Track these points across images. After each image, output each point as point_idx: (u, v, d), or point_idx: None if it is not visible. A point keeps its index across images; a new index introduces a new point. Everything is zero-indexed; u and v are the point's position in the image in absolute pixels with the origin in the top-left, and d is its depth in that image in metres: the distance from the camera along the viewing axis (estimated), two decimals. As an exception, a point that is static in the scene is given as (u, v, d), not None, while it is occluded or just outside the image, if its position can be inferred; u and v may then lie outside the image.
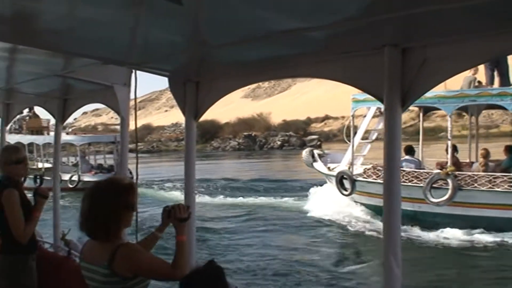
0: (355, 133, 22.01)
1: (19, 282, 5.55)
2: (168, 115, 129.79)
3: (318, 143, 68.73)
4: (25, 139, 35.74)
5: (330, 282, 14.21)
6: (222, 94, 4.89)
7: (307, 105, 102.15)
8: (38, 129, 39.90)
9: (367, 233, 19.03)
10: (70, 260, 6.51)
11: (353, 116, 21.64)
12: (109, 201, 3.53)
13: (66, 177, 32.69)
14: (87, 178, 33.98)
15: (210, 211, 26.03)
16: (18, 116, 36.07)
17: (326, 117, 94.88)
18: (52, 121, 38.34)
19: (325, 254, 17.21)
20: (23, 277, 5.60)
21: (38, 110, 39.43)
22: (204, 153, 75.32)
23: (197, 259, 5.07)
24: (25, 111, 38.49)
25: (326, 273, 14.94)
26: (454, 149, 19.15)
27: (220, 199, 31.02)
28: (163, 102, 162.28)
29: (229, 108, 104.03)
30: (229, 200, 30.56)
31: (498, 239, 16.62)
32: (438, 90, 17.40)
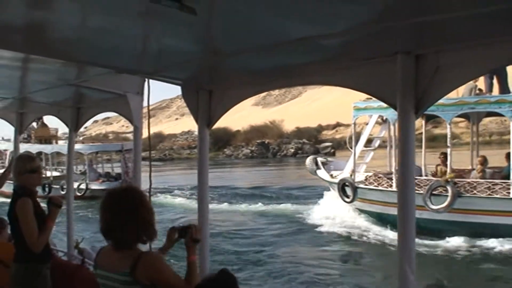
0: (357, 141, 22.19)
1: None
2: (179, 123, 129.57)
3: (332, 150, 68.20)
4: (34, 148, 35.64)
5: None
6: (235, 102, 4.90)
7: (318, 112, 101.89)
8: (47, 138, 40.36)
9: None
10: (83, 268, 6.51)
11: (354, 124, 22.05)
12: (137, 209, 3.52)
13: (74, 185, 32.09)
14: (94, 186, 34.55)
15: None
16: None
17: (338, 124, 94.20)
18: (60, 130, 38.98)
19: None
20: (37, 286, 5.61)
21: (46, 119, 40.28)
22: (216, 160, 75.00)
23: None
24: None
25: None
26: (445, 157, 19.48)
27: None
28: (174, 110, 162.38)
29: (240, 115, 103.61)
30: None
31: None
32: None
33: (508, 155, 18.58)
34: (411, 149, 3.44)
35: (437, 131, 61.17)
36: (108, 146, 44.12)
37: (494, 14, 2.67)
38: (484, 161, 18.94)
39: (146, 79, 5.37)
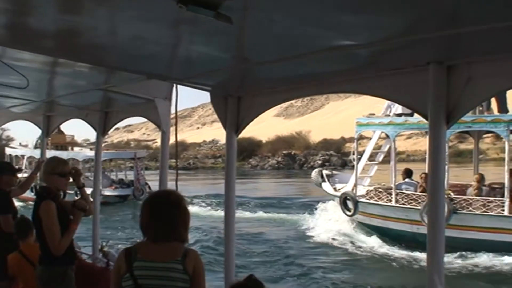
0: (360, 156, 22.60)
1: None
2: (200, 133, 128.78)
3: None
4: (50, 154, 36.00)
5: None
6: (263, 109, 4.91)
7: (340, 125, 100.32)
8: (63, 145, 42.10)
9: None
10: (108, 271, 6.55)
11: (357, 139, 22.37)
12: (187, 210, 3.97)
13: (88, 191, 32.81)
14: (107, 192, 35.34)
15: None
16: None
17: (361, 137, 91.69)
18: (76, 137, 39.20)
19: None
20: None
21: (63, 126, 40.05)
22: (241, 171, 74.43)
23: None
24: None
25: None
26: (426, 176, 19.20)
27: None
28: (195, 120, 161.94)
29: (262, 126, 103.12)
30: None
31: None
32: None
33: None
34: (442, 161, 3.43)
35: (463, 146, 59.67)
36: (122, 154, 45.60)
37: None
38: (481, 179, 18.97)
39: (175, 85, 5.40)
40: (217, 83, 4.88)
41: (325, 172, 24.78)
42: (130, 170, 42.64)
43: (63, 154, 36.96)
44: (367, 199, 20.90)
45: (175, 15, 2.80)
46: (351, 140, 18.63)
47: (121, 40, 3.66)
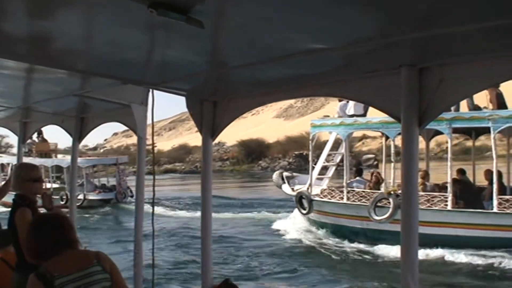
0: (317, 156, 24.14)
1: None
2: (200, 136, 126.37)
3: (375, 162, 65.32)
4: (35, 161, 36.96)
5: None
6: (239, 113, 4.92)
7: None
8: (47, 152, 43.00)
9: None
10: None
11: (312, 140, 23.85)
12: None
13: None
14: (91, 196, 38.02)
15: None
16: (28, 141, 38.54)
17: (364, 137, 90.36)
18: (60, 145, 40.63)
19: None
20: None
21: (46, 134, 43.57)
22: (251, 174, 73.51)
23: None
24: (34, 136, 41.35)
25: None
26: (379, 174, 21.41)
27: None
28: (193, 123, 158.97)
29: (261, 128, 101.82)
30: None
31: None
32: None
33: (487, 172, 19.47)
34: (415, 163, 3.45)
35: (470, 143, 58.09)
36: (105, 160, 46.72)
37: (499, 28, 2.69)
38: (425, 176, 19.83)
39: (151, 90, 5.39)
40: (192, 88, 4.88)
41: (285, 174, 26.04)
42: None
43: (47, 162, 39.87)
44: (321, 197, 21.80)
45: (148, 20, 2.80)
46: (354, 140, 19.27)
47: (95, 45, 3.65)
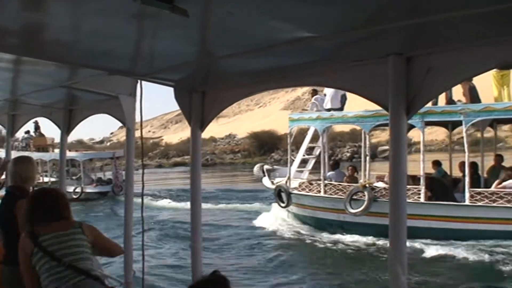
0: (293, 150, 24.33)
1: None
2: (207, 129, 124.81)
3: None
4: (34, 155, 37.69)
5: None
6: (228, 103, 4.91)
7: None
8: (44, 147, 43.50)
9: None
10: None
11: (290, 133, 23.94)
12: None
13: (70, 189, 37.16)
14: (89, 189, 39.52)
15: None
16: (25, 136, 41.89)
17: (373, 129, 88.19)
18: (56, 140, 41.43)
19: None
20: None
21: (44, 129, 44.43)
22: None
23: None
24: (32, 131, 43.26)
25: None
26: (354, 168, 22.05)
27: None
28: None
29: (269, 120, 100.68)
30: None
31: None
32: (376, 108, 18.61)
33: (434, 162, 20.57)
34: (403, 152, 3.45)
35: (480, 134, 57.08)
36: (102, 154, 48.59)
37: (486, 16, 2.68)
38: None
39: (139, 81, 5.37)
40: (180, 78, 4.85)
41: (266, 167, 26.20)
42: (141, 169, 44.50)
43: (45, 156, 41.14)
44: (299, 191, 22.08)
45: (134, 9, 2.78)
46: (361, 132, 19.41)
47: (80, 35, 3.61)
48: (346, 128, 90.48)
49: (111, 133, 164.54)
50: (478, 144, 22.52)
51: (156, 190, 41.11)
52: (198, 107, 4.97)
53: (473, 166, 19.26)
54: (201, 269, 5.08)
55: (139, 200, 5.58)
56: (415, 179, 19.41)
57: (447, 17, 2.71)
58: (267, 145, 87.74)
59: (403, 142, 3.44)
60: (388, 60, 3.37)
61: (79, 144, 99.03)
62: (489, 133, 24.67)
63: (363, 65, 3.60)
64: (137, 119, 5.85)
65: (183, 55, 3.93)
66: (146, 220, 5.76)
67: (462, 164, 18.99)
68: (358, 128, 22.53)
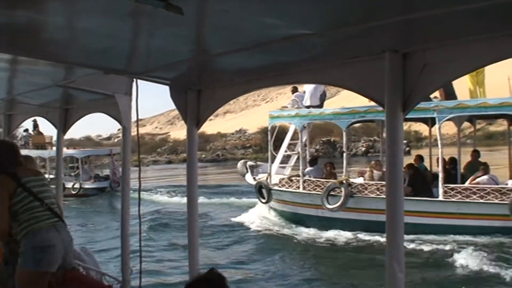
0: (275, 146, 24.77)
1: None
2: (213, 124, 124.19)
3: (407, 148, 62.80)
4: (33, 153, 38.62)
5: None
6: (223, 101, 4.91)
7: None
8: (43, 145, 44.67)
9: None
10: (73, 269, 6.50)
11: (271, 130, 24.58)
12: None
13: (69, 185, 38.65)
14: (87, 185, 40.53)
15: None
16: (24, 134, 43.19)
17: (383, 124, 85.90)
18: (55, 137, 41.87)
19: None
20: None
21: (42, 127, 45.39)
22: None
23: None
24: (30, 129, 44.53)
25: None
26: (332, 165, 22.50)
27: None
28: None
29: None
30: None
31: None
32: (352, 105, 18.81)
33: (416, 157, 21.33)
34: (399, 148, 3.44)
35: (492, 128, 56.99)
36: (99, 151, 50.27)
37: (481, 11, 2.68)
38: (375, 166, 20.95)
39: (134, 80, 5.36)
40: (176, 77, 4.84)
41: (249, 163, 26.78)
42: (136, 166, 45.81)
43: (44, 153, 42.39)
44: (279, 187, 22.48)
45: (129, 7, 2.77)
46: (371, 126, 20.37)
47: (76, 35, 3.61)
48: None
49: (118, 129, 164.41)
50: (491, 138, 22.74)
51: (169, 187, 42.42)
52: (194, 105, 4.97)
53: (452, 161, 19.92)
54: (198, 267, 5.08)
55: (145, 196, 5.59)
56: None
57: (443, 12, 2.70)
58: (278, 140, 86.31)
59: (399, 138, 3.43)
60: (384, 56, 3.36)
61: (88, 141, 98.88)
62: (501, 126, 24.92)
63: (359, 61, 3.59)
64: (133, 118, 5.84)
65: (178, 53, 3.92)
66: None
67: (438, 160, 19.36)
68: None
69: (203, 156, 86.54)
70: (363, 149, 78.96)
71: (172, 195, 37.64)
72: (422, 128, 23.40)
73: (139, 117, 5.54)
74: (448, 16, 2.76)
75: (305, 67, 4.02)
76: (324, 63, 3.86)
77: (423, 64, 3.29)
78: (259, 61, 4.03)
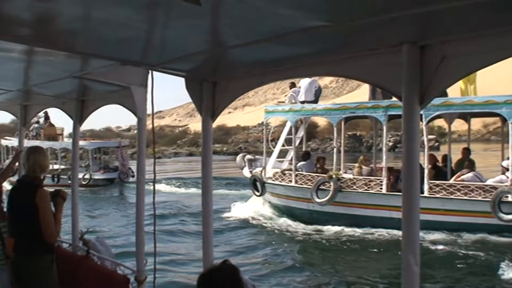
0: (269, 141, 25.71)
1: (47, 282, 5.65)
2: (232, 117, 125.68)
3: (436, 144, 61.73)
4: (44, 144, 39.62)
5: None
6: (239, 93, 4.89)
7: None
8: (54, 136, 46.35)
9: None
10: (88, 259, 6.56)
11: (266, 124, 25.94)
12: None
13: (79, 176, 37.32)
14: (97, 176, 42.49)
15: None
16: (36, 125, 43.81)
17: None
18: (66, 129, 45.52)
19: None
20: (50, 277, 5.69)
21: (53, 120, 47.13)
22: (299, 154, 71.62)
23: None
24: (41, 121, 45.56)
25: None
26: (323, 160, 23.09)
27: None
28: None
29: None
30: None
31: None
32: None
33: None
34: (416, 142, 3.41)
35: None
36: (109, 143, 51.70)
37: (501, 4, 2.65)
38: (363, 161, 21.73)
39: (150, 71, 5.37)
40: (191, 68, 4.84)
41: (247, 157, 27.16)
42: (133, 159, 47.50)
43: (55, 144, 44.16)
44: (273, 180, 23.14)
45: None
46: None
47: (92, 25, 3.60)
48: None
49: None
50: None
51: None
52: (209, 97, 4.96)
53: (445, 159, 20.49)
54: (212, 258, 5.10)
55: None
56: (378, 171, 20.75)
57: (463, 5, 2.67)
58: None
59: (416, 132, 3.41)
60: (401, 49, 3.33)
61: (109, 132, 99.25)
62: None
63: (376, 54, 3.56)
64: (149, 110, 5.85)
65: (194, 44, 3.91)
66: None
67: (431, 157, 19.83)
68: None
69: (224, 148, 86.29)
70: (390, 143, 76.79)
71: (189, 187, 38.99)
72: (444, 124, 23.55)
73: (156, 109, 5.53)
74: (468, 8, 2.73)
75: (321, 59, 4.00)
76: (340, 55, 3.83)
77: (441, 57, 3.26)
78: (275, 53, 4.01)
